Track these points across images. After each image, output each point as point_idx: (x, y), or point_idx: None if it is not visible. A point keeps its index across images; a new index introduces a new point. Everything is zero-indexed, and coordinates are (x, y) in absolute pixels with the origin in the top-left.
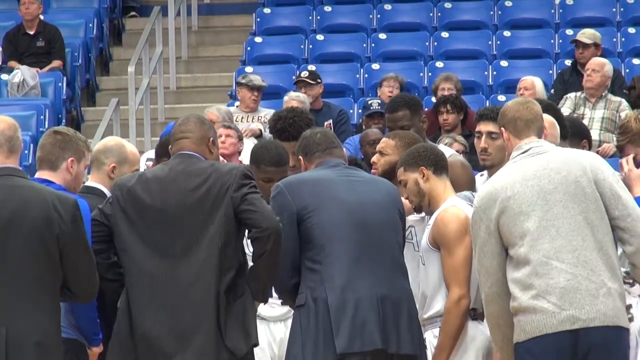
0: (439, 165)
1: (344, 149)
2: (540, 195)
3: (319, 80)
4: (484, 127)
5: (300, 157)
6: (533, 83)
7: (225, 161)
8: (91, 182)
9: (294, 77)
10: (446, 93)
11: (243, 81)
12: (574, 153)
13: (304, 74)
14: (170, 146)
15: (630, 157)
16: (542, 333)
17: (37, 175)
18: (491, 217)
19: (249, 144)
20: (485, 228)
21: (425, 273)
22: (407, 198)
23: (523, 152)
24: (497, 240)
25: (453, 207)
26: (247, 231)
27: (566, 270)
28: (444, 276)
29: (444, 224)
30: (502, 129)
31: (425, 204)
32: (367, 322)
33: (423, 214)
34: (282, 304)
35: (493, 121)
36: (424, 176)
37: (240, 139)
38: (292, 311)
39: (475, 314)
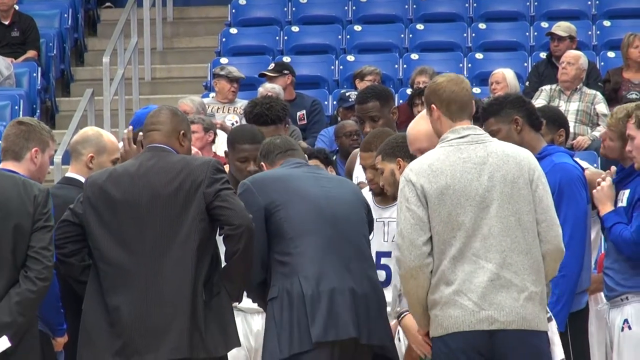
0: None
1: (318, 139)
2: (479, 191)
3: (285, 72)
4: None
5: (262, 164)
6: (504, 76)
7: (200, 153)
8: (70, 173)
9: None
10: (422, 86)
11: (222, 73)
12: (513, 149)
13: (270, 66)
14: (142, 137)
15: (608, 176)
16: (459, 330)
17: (1, 165)
18: (425, 192)
19: (222, 135)
20: (416, 200)
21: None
22: (382, 186)
23: (461, 137)
24: (426, 215)
25: None
26: (219, 228)
27: (491, 270)
28: None
29: None
30: (433, 106)
31: None
32: (341, 312)
33: None
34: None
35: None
36: (400, 167)
37: (207, 130)
38: None
39: None
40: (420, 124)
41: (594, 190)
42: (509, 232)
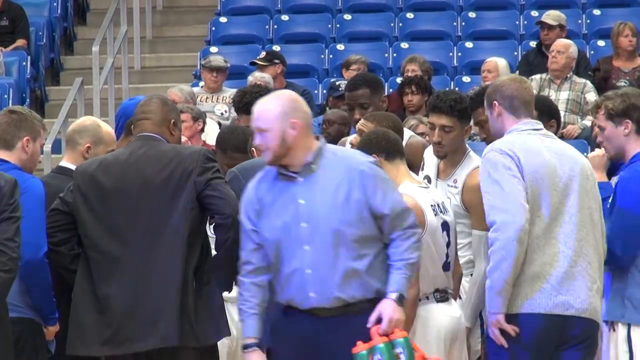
0: (391, 150)
1: None
2: (563, 178)
3: (276, 61)
4: (437, 120)
5: (253, 149)
6: (496, 65)
7: (190, 143)
8: (64, 162)
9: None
10: (411, 74)
11: (202, 62)
12: (576, 151)
13: (261, 55)
14: (132, 126)
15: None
16: (534, 311)
17: None
18: (522, 165)
19: (212, 123)
20: (517, 170)
21: None
22: None
23: (535, 129)
24: (524, 187)
25: (404, 195)
26: (209, 217)
27: (570, 256)
28: None
29: None
30: (495, 102)
31: None
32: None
33: None
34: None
35: (446, 114)
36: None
37: (196, 119)
38: None
39: (442, 296)
40: (270, 103)
41: (589, 155)
42: (585, 224)
